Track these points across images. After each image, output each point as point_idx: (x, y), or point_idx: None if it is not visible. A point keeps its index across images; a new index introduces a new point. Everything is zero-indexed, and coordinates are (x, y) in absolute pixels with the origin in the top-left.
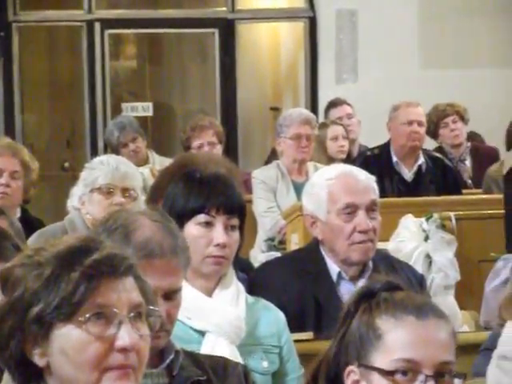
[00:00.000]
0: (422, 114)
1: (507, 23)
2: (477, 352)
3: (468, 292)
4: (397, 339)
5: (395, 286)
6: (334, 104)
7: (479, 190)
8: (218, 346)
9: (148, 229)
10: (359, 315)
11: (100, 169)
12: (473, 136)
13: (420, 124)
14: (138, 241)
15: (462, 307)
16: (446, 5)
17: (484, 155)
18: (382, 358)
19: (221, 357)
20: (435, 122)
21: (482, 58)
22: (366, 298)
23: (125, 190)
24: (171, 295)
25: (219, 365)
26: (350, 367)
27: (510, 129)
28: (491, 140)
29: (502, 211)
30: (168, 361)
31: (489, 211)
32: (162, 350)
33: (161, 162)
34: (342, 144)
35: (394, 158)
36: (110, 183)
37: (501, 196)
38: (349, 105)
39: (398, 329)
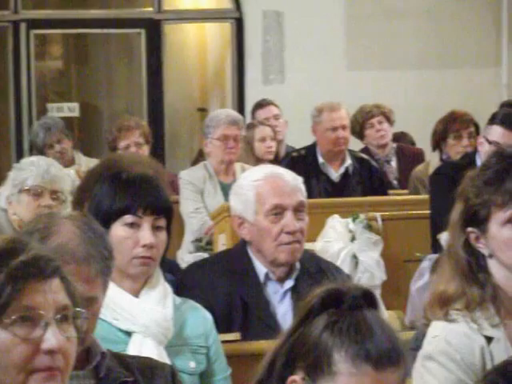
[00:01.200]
0: (345, 116)
1: (431, 25)
2: None
3: (394, 292)
4: None
5: (366, 294)
6: (260, 105)
7: (405, 191)
8: (145, 346)
9: (65, 235)
10: (322, 325)
11: (30, 170)
12: (402, 136)
13: (344, 128)
14: (51, 246)
15: (387, 307)
16: (372, 6)
17: (410, 156)
18: None
19: (148, 358)
20: (361, 123)
21: (407, 59)
22: (333, 302)
23: (53, 193)
24: (85, 303)
25: (146, 366)
26: (294, 377)
27: (435, 129)
28: (417, 140)
29: (428, 212)
30: (95, 362)
31: (414, 212)
32: (89, 351)
33: (87, 163)
34: (269, 145)
35: (321, 159)
36: (39, 185)
37: (426, 196)
38: (276, 105)
39: (352, 378)
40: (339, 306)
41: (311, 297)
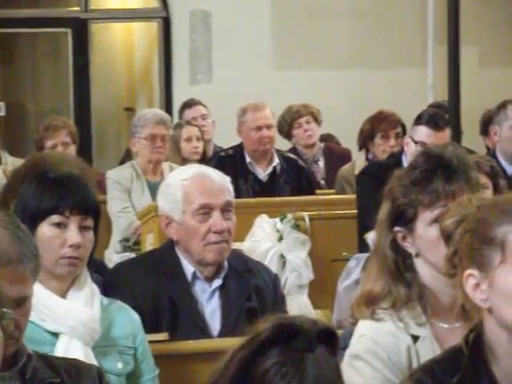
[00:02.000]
0: (270, 116)
1: (358, 26)
2: None
3: (321, 291)
4: None
5: (323, 333)
6: (188, 105)
7: (332, 191)
8: (72, 347)
9: None
10: (268, 364)
11: None
12: (328, 138)
13: (269, 127)
14: None
15: (315, 306)
16: (299, 6)
17: (337, 156)
18: None
19: (75, 359)
20: (289, 123)
21: (334, 59)
22: (285, 337)
23: None
24: (19, 303)
25: (73, 367)
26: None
27: (362, 128)
28: (344, 140)
29: (355, 211)
30: (20, 364)
31: (341, 211)
32: (15, 353)
33: (13, 163)
34: (195, 145)
35: (248, 159)
36: None
37: (353, 196)
38: (203, 105)
39: None
40: (291, 341)
41: (263, 326)
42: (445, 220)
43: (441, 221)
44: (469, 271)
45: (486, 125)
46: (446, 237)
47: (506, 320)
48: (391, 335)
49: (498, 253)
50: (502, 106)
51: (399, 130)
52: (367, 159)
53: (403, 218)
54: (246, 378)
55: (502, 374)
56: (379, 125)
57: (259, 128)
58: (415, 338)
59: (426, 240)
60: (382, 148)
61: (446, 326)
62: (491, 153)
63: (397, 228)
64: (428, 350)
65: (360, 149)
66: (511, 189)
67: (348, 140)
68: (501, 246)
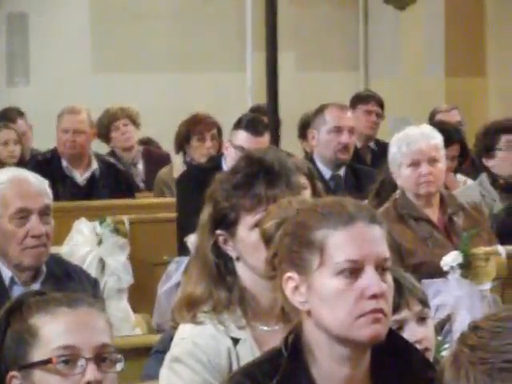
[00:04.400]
0: (84, 119)
1: (178, 29)
2: (149, 355)
3: (142, 295)
4: (52, 330)
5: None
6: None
7: (152, 194)
8: None
9: None
10: (11, 327)
11: None
12: (149, 142)
13: (77, 131)
14: None
15: (135, 310)
16: (118, 8)
17: (156, 159)
18: (41, 353)
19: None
20: (106, 126)
21: (154, 62)
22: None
23: None
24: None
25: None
26: (11, 373)
27: (179, 132)
28: (165, 143)
29: (175, 214)
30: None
31: (161, 215)
32: None
33: None
34: (12, 149)
35: (64, 163)
36: None
37: (172, 199)
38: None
39: (51, 321)
40: None
41: None
42: (265, 222)
43: (261, 224)
44: (288, 274)
45: (304, 129)
46: (266, 239)
47: (324, 322)
48: (212, 338)
49: (317, 256)
50: (320, 110)
51: (215, 131)
52: (185, 162)
53: (225, 222)
54: None
55: (321, 376)
56: (195, 127)
57: (66, 131)
58: (236, 341)
59: (247, 244)
60: (199, 151)
61: (265, 328)
62: (309, 157)
63: (218, 231)
64: (248, 353)
65: (177, 152)
66: (328, 192)
67: (169, 143)
68: (319, 249)
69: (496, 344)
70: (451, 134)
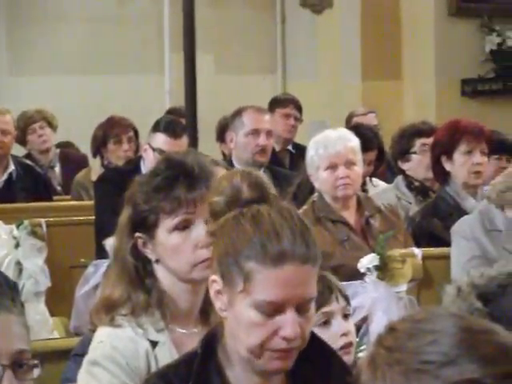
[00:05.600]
0: (9, 121)
1: (95, 30)
2: (67, 358)
3: (59, 298)
4: None
5: None
6: None
7: (69, 197)
8: None
9: None
10: None
11: None
12: (67, 145)
13: (6, 132)
14: None
15: (53, 313)
16: (34, 10)
17: (73, 162)
18: None
19: None
20: (23, 129)
21: (71, 64)
22: None
23: None
24: None
25: None
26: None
27: (95, 135)
28: (84, 147)
29: (92, 217)
30: None
31: (79, 217)
32: None
33: None
34: None
35: None
36: None
37: (90, 202)
38: None
39: None
40: None
41: None
42: (213, 194)
43: (208, 196)
44: (214, 277)
45: (222, 131)
46: (212, 214)
47: (238, 341)
48: (130, 341)
49: (242, 282)
50: (237, 113)
51: (131, 134)
52: (103, 165)
53: (144, 224)
54: None
55: (236, 379)
56: (111, 130)
57: None
58: (154, 344)
59: (167, 247)
60: (116, 153)
61: (184, 331)
62: (227, 159)
63: (137, 234)
64: (166, 356)
65: (94, 155)
66: None
67: (86, 146)
68: (246, 277)
69: (412, 345)
70: (370, 140)
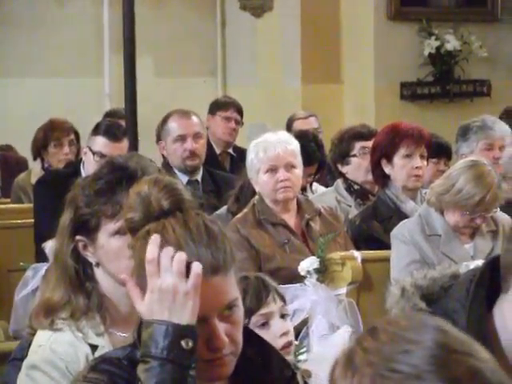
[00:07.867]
0: None
1: (35, 33)
2: (6, 362)
3: None
4: None
5: None
6: None
7: (8, 200)
8: None
9: None
10: None
11: None
12: (7, 149)
13: None
14: None
15: None
16: None
17: (13, 164)
18: None
19: None
20: None
21: (11, 66)
22: None
23: None
24: None
25: None
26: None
27: (36, 137)
28: (20, 149)
29: (32, 220)
30: None
31: (18, 220)
32: None
33: None
34: None
35: None
36: None
37: (30, 205)
38: None
39: None
40: None
41: None
42: (126, 212)
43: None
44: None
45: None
46: (130, 229)
47: None
48: (70, 345)
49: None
50: (164, 121)
51: (72, 137)
52: (43, 168)
53: (85, 228)
54: None
55: None
56: (52, 133)
57: None
58: (94, 348)
59: (108, 250)
60: (57, 156)
61: (124, 335)
62: (166, 162)
63: (78, 237)
64: None
65: (35, 158)
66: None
67: (26, 149)
68: None
69: (387, 351)
70: (313, 153)
